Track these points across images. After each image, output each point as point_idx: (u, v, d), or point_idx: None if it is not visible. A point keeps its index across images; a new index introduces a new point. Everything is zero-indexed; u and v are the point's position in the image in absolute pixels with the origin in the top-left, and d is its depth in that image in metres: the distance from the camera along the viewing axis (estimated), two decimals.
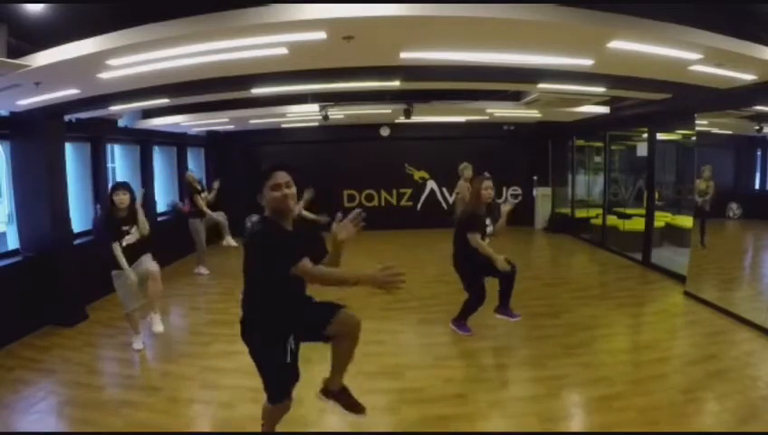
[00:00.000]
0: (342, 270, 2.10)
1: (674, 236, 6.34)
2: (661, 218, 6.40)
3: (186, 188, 6.29)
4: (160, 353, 3.86)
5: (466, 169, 6.15)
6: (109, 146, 6.32)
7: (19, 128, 4.34)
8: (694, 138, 5.21)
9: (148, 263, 3.82)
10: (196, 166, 8.42)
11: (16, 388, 3.24)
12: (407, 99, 6.26)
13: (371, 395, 3.01)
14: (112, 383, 3.39)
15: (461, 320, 4.01)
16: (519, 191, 9.45)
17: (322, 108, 6.35)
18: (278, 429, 2.39)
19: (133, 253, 3.77)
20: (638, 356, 3.61)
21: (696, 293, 4.75)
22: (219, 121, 7.33)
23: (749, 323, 3.93)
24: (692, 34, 2.75)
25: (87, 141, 5.71)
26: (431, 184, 9.51)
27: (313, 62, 3.30)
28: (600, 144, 7.91)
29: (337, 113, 6.73)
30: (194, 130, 8.00)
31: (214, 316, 4.67)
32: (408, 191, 9.52)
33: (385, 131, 9.08)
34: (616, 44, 2.80)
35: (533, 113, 7.22)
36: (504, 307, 4.02)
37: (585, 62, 3.30)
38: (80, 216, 5.45)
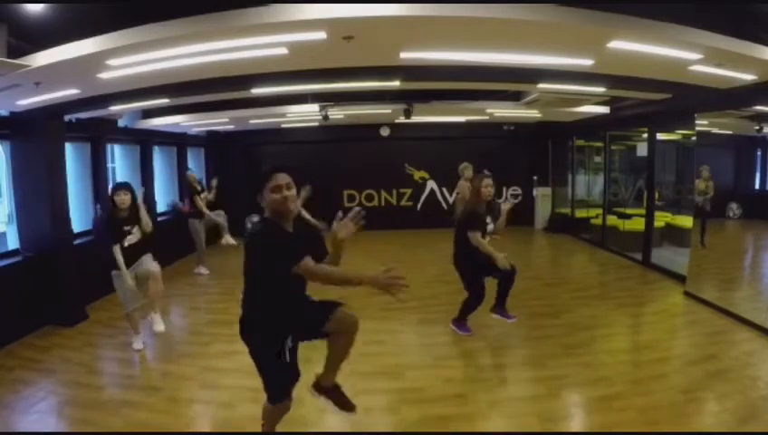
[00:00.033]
0: (345, 269, 2.10)
1: (674, 236, 6.34)
2: (661, 218, 6.40)
3: (186, 188, 6.29)
4: (160, 353, 3.86)
5: (467, 169, 6.16)
6: (109, 146, 6.32)
7: (19, 128, 4.34)
8: (694, 138, 5.21)
9: (150, 263, 3.83)
10: (196, 166, 8.42)
11: (16, 388, 3.24)
12: (407, 99, 6.26)
13: (371, 395, 3.02)
14: (112, 383, 3.39)
15: (461, 320, 4.01)
16: (519, 191, 9.45)
17: (322, 108, 6.35)
18: (278, 429, 2.39)
19: (135, 253, 3.78)
20: (638, 356, 3.61)
21: (695, 293, 4.75)
22: (219, 121, 7.33)
23: (749, 323, 3.93)
24: (692, 34, 2.75)
25: (87, 141, 5.71)
26: (431, 184, 9.51)
27: (313, 62, 3.30)
28: (600, 144, 7.91)
29: (337, 113, 6.73)
30: (194, 130, 8.00)
31: (214, 316, 4.67)
32: (408, 191, 9.52)
33: (385, 131, 9.08)
34: (616, 44, 2.80)
35: (533, 113, 7.22)
36: (500, 307, 4.03)
37: (585, 62, 3.30)
38: (80, 216, 5.45)
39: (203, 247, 6.28)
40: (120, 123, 6.23)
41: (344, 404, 2.40)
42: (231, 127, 8.18)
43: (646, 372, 3.24)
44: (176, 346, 3.95)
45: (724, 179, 5.61)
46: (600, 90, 4.66)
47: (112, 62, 2.88)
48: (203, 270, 6.32)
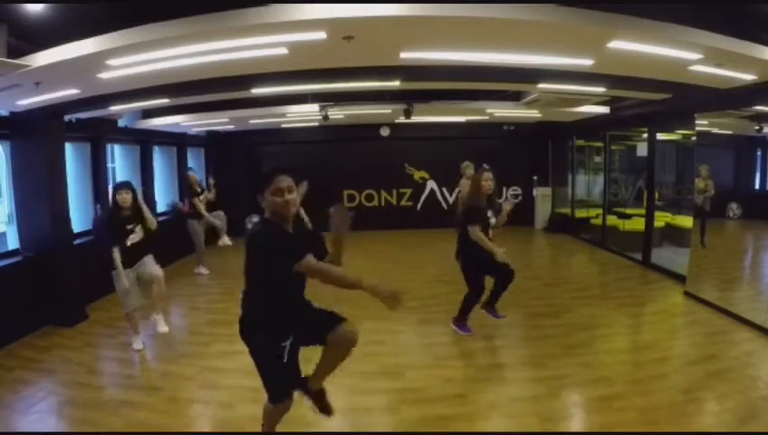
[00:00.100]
0: (347, 271, 2.09)
1: (674, 236, 6.34)
2: (661, 218, 6.40)
3: (186, 188, 6.29)
4: (160, 353, 3.86)
5: (468, 168, 6.16)
6: (109, 146, 6.32)
7: (19, 128, 4.34)
8: (694, 138, 5.21)
9: (153, 268, 3.84)
10: (196, 166, 8.41)
11: (16, 388, 3.24)
12: (407, 99, 6.26)
13: (371, 395, 3.02)
14: (112, 383, 3.39)
15: (462, 319, 4.01)
16: (519, 191, 9.45)
17: (322, 108, 6.35)
18: (278, 429, 2.39)
19: (137, 252, 3.79)
20: (638, 356, 3.61)
21: (695, 293, 4.75)
22: (219, 121, 7.33)
23: (749, 323, 3.93)
24: (692, 34, 2.75)
25: (87, 141, 5.71)
26: (431, 184, 9.50)
27: (313, 62, 3.30)
28: (600, 144, 7.91)
29: (337, 113, 6.73)
30: (194, 130, 8.00)
31: (214, 316, 4.67)
32: (408, 191, 9.52)
33: (385, 131, 9.08)
34: (616, 44, 2.80)
35: (533, 113, 7.22)
36: (491, 305, 4.06)
37: (585, 62, 3.30)
38: (80, 216, 5.45)
39: (202, 248, 6.28)
40: (120, 123, 6.23)
41: (324, 408, 2.43)
42: (231, 127, 8.18)
43: (646, 372, 3.24)
44: (176, 346, 3.95)
45: (724, 179, 5.61)
46: (600, 90, 4.66)
47: (112, 62, 2.88)
48: (203, 270, 6.32)
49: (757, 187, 5.46)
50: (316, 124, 8.01)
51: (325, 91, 5.53)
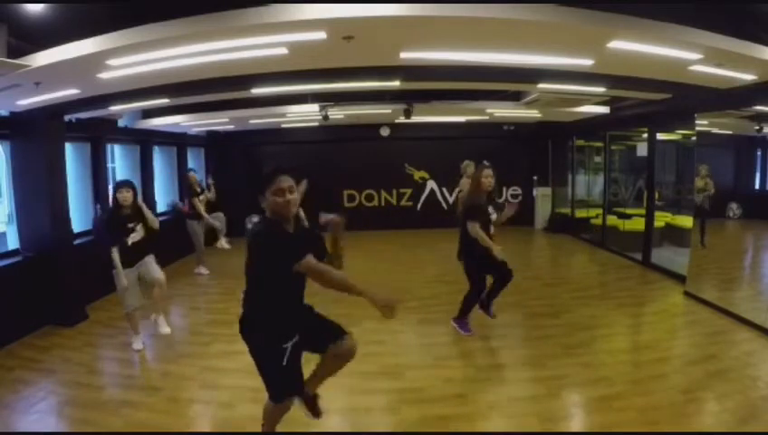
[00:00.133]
0: (347, 276, 2.06)
1: (674, 236, 6.34)
2: (661, 218, 6.40)
3: (186, 188, 6.29)
4: (160, 353, 3.86)
5: (469, 167, 6.14)
6: (109, 146, 6.32)
7: (19, 128, 4.34)
8: (694, 138, 5.21)
9: (154, 270, 3.84)
10: (196, 166, 8.42)
11: (16, 388, 3.24)
12: (407, 99, 6.26)
13: (371, 395, 3.02)
14: (112, 383, 3.39)
15: (463, 318, 4.01)
16: (519, 191, 9.45)
17: (322, 108, 6.35)
18: (278, 429, 2.39)
19: (138, 251, 3.78)
20: (638, 356, 3.61)
21: (695, 293, 4.75)
22: (219, 121, 7.33)
23: (749, 323, 3.93)
24: (692, 34, 2.75)
25: (87, 141, 5.71)
26: (431, 184, 9.50)
27: (313, 62, 3.30)
28: (600, 144, 7.91)
29: (337, 113, 6.73)
30: (194, 130, 8.00)
31: (214, 316, 4.67)
32: (408, 191, 9.52)
33: (385, 131, 9.08)
34: (616, 44, 2.80)
35: (533, 113, 7.22)
36: (485, 304, 4.07)
37: (585, 62, 3.30)
38: (80, 216, 5.45)
39: (202, 248, 6.29)
40: (120, 123, 6.23)
41: (315, 410, 2.44)
42: (231, 127, 8.18)
43: (646, 372, 3.24)
44: (176, 346, 3.95)
45: (724, 179, 5.61)
46: (600, 90, 4.66)
47: (112, 62, 2.88)
48: (203, 270, 6.32)
49: (757, 187, 5.46)
50: (316, 124, 8.01)
51: (325, 91, 5.53)
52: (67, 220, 4.73)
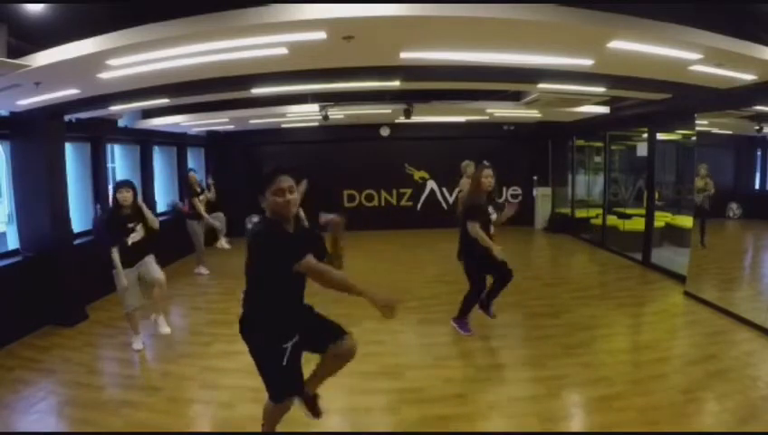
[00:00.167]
0: (347, 276, 2.05)
1: (674, 236, 6.34)
2: (661, 218, 6.40)
3: (186, 188, 6.30)
4: (160, 353, 3.86)
5: (469, 167, 6.14)
6: (109, 146, 6.32)
7: (19, 128, 4.34)
8: (694, 138, 5.21)
9: (154, 270, 3.85)
10: (196, 166, 8.42)
11: (16, 388, 3.24)
12: (407, 99, 6.26)
13: (371, 395, 3.02)
14: (112, 383, 3.39)
15: (462, 318, 4.01)
16: (519, 191, 9.45)
17: (322, 108, 6.35)
18: (278, 429, 2.39)
19: (139, 251, 3.78)
20: (638, 356, 3.61)
21: (695, 293, 4.75)
22: (219, 121, 7.33)
23: (749, 323, 3.93)
24: (692, 34, 2.75)
25: (87, 141, 5.71)
26: (431, 184, 9.51)
27: (313, 62, 3.30)
28: (600, 144, 7.91)
29: (337, 113, 6.73)
30: (194, 130, 8.00)
31: (214, 316, 4.67)
32: (408, 191, 9.52)
33: (385, 131, 9.08)
34: (616, 44, 2.80)
35: (533, 113, 7.22)
36: (484, 304, 4.08)
37: (585, 62, 3.30)
38: (80, 216, 5.45)
39: (201, 248, 6.29)
40: (120, 123, 6.23)
41: (314, 411, 2.44)
42: (231, 127, 8.18)
43: (646, 372, 3.24)
44: (176, 346, 3.95)
45: (725, 179, 5.61)
46: (600, 90, 4.66)
47: (112, 62, 2.88)
48: (203, 270, 6.33)
49: (757, 187, 5.46)
50: (316, 124, 8.01)
51: (325, 91, 5.53)
52: (67, 220, 4.73)
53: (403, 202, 9.54)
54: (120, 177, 6.62)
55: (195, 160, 8.53)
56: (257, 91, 4.43)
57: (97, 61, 2.83)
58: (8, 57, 2.65)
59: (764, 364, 3.32)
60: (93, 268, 4.61)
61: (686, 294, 4.85)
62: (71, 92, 3.67)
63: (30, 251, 4.42)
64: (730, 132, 5.42)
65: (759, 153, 5.40)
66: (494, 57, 3.16)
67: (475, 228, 3.70)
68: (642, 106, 5.77)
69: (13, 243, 4.57)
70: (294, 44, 2.74)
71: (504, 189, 9.27)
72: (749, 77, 3.55)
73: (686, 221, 5.48)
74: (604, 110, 6.57)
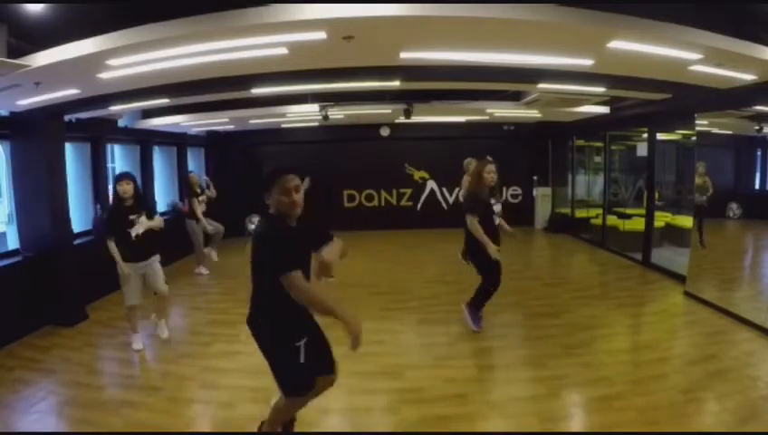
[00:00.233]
0: (328, 299, 1.99)
1: (674, 236, 6.34)
2: (661, 218, 6.40)
3: (186, 188, 6.30)
4: (160, 353, 3.86)
5: (471, 164, 6.14)
6: (109, 146, 6.33)
7: (19, 128, 4.34)
8: (694, 138, 5.21)
9: (159, 282, 3.86)
10: (196, 166, 8.43)
11: (16, 388, 3.25)
12: (407, 99, 6.26)
13: (371, 395, 3.02)
14: (112, 383, 3.39)
15: (476, 309, 3.99)
16: (519, 191, 9.46)
17: (322, 108, 6.35)
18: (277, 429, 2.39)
19: (143, 245, 3.74)
20: (638, 356, 3.61)
21: (695, 293, 4.75)
22: (219, 121, 7.33)
23: (749, 323, 3.93)
24: (692, 34, 2.75)
25: (87, 141, 5.72)
26: (431, 184, 9.51)
27: (313, 62, 3.30)
28: (600, 144, 7.91)
29: (337, 113, 6.74)
30: (194, 130, 8.00)
31: (214, 316, 4.66)
32: (408, 191, 9.52)
33: (385, 131, 9.08)
34: (616, 44, 2.80)
35: (533, 113, 7.22)
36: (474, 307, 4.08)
37: (585, 62, 3.30)
38: (80, 216, 5.45)
39: (201, 248, 6.28)
40: (120, 123, 6.23)
41: (287, 430, 2.46)
42: (231, 127, 8.18)
43: (646, 372, 3.24)
44: (176, 346, 3.95)
45: (725, 179, 5.61)
46: (600, 90, 4.66)
47: (112, 62, 2.88)
48: (203, 270, 6.32)
49: (757, 187, 5.46)
50: (316, 124, 8.01)
51: (325, 91, 5.53)
52: (67, 220, 4.73)
53: (403, 202, 9.54)
54: None
55: (195, 160, 8.53)
56: (257, 91, 4.43)
57: (97, 61, 2.83)
58: (8, 57, 2.65)
59: (764, 364, 3.32)
60: (93, 268, 4.61)
61: (686, 294, 4.85)
62: (71, 92, 3.67)
63: (30, 251, 4.42)
64: (730, 132, 5.42)
65: (759, 153, 5.40)
66: (494, 57, 3.16)
67: (474, 224, 3.68)
68: (642, 106, 5.77)
69: (13, 243, 4.57)
70: (294, 44, 2.74)
71: (504, 189, 9.27)
72: (749, 77, 3.55)
73: (686, 221, 5.48)
74: (604, 110, 6.57)
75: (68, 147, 4.97)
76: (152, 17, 2.48)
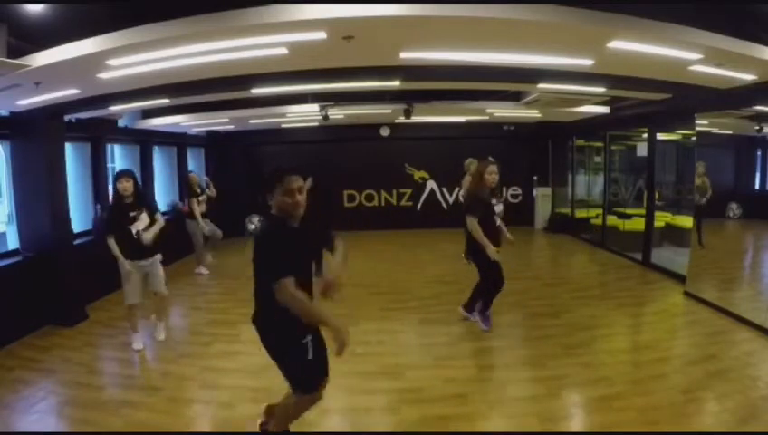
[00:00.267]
0: (315, 307, 2.01)
1: (674, 236, 6.34)
2: (661, 218, 6.40)
3: (186, 189, 6.30)
4: (160, 353, 3.86)
5: (472, 165, 6.14)
6: (109, 146, 6.33)
7: (19, 128, 4.34)
8: (694, 138, 5.21)
9: (160, 284, 3.87)
10: (196, 166, 8.43)
11: (16, 388, 3.24)
12: (407, 99, 6.26)
13: (371, 395, 3.02)
14: (112, 383, 3.39)
15: (485, 310, 4.01)
16: (519, 191, 9.46)
17: (322, 108, 6.35)
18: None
19: (144, 244, 3.72)
20: (638, 356, 3.61)
21: (695, 293, 4.75)
22: (219, 121, 7.33)
23: (749, 323, 3.93)
24: (692, 34, 2.75)
25: (87, 141, 5.72)
26: (431, 184, 9.51)
27: (313, 62, 3.30)
28: (600, 144, 7.91)
29: (337, 113, 6.74)
30: (194, 130, 8.01)
31: (214, 316, 4.66)
32: (408, 191, 9.53)
33: (385, 131, 9.08)
34: (616, 44, 2.80)
35: (533, 113, 7.22)
36: (468, 306, 4.12)
37: (585, 62, 3.30)
38: (80, 216, 5.45)
39: (201, 248, 6.28)
40: (120, 123, 6.23)
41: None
42: (231, 127, 8.18)
43: (646, 372, 3.24)
44: (176, 346, 3.95)
45: (725, 179, 5.61)
46: (600, 90, 4.66)
47: (112, 62, 2.88)
48: (203, 270, 6.32)
49: (757, 187, 5.46)
50: (316, 124, 8.01)
51: (325, 91, 5.54)
52: (67, 220, 4.73)
53: (403, 202, 9.54)
54: None
55: (195, 160, 8.53)
56: (257, 91, 4.43)
57: (97, 61, 2.83)
58: (8, 57, 2.65)
59: (764, 364, 3.32)
60: (93, 268, 4.62)
61: (686, 294, 4.85)
62: (71, 92, 3.67)
63: (30, 251, 4.42)
64: (730, 132, 5.42)
65: (759, 153, 5.40)
66: (494, 57, 3.16)
67: (473, 224, 3.68)
68: (642, 106, 5.77)
69: (13, 243, 4.57)
70: (294, 44, 2.74)
71: (504, 189, 9.27)
72: (749, 77, 3.55)
73: (686, 221, 5.48)
74: (604, 110, 6.57)
75: (68, 147, 4.98)
76: (152, 17, 2.49)
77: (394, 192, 9.51)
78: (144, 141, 6.86)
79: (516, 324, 4.28)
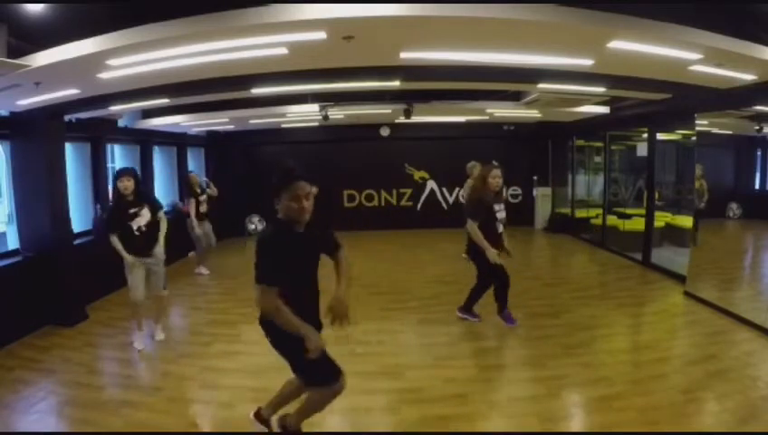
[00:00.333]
0: (290, 315, 2.01)
1: (674, 236, 6.34)
2: (661, 218, 6.40)
3: (186, 188, 6.30)
4: (160, 353, 3.86)
5: (475, 168, 6.14)
6: (109, 146, 6.33)
7: (19, 128, 4.34)
8: (694, 138, 5.21)
9: (160, 282, 3.87)
10: (196, 166, 8.43)
11: (16, 388, 3.24)
12: (407, 99, 6.27)
13: (371, 395, 3.02)
14: (112, 383, 3.39)
15: (505, 309, 4.03)
16: (519, 191, 9.46)
17: (322, 108, 6.35)
18: (277, 429, 2.39)
19: (146, 239, 3.73)
20: (638, 356, 3.61)
21: (695, 293, 4.75)
22: (219, 121, 7.34)
23: (749, 323, 3.93)
24: (692, 34, 2.75)
25: (87, 141, 5.72)
26: (431, 184, 9.51)
27: (313, 62, 3.31)
28: (600, 144, 7.91)
29: (337, 113, 6.74)
30: (194, 130, 8.01)
31: (214, 316, 4.66)
32: (408, 191, 9.53)
33: (385, 131, 9.08)
34: (616, 44, 2.80)
35: (533, 113, 7.22)
36: (466, 308, 4.13)
37: (585, 62, 3.30)
38: (80, 216, 5.45)
39: (202, 248, 6.28)
40: (120, 123, 6.23)
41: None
42: (231, 127, 8.18)
43: (646, 372, 3.24)
44: (176, 346, 3.95)
45: (725, 179, 5.61)
46: (600, 90, 4.66)
47: (112, 62, 2.88)
48: (203, 270, 6.32)
49: (757, 187, 5.46)
50: (316, 124, 8.02)
51: (325, 91, 5.54)
52: (67, 220, 4.73)
53: (403, 202, 9.54)
54: None
55: (195, 160, 8.53)
56: (257, 91, 4.44)
57: (97, 61, 2.83)
58: (8, 57, 2.65)
59: (764, 364, 3.32)
60: (93, 268, 4.62)
61: (686, 294, 4.85)
62: (71, 92, 3.67)
63: (30, 251, 4.42)
64: (730, 132, 5.42)
65: (759, 153, 5.40)
66: (494, 57, 3.16)
67: (473, 228, 3.70)
68: (642, 106, 5.77)
69: (13, 243, 4.57)
70: (294, 44, 2.74)
71: (505, 189, 9.25)
72: (749, 77, 3.55)
73: (686, 221, 5.48)
74: (604, 110, 6.57)
75: (68, 147, 4.98)
76: (152, 17, 2.49)
77: (394, 192, 9.51)
78: (144, 141, 6.86)
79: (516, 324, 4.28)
